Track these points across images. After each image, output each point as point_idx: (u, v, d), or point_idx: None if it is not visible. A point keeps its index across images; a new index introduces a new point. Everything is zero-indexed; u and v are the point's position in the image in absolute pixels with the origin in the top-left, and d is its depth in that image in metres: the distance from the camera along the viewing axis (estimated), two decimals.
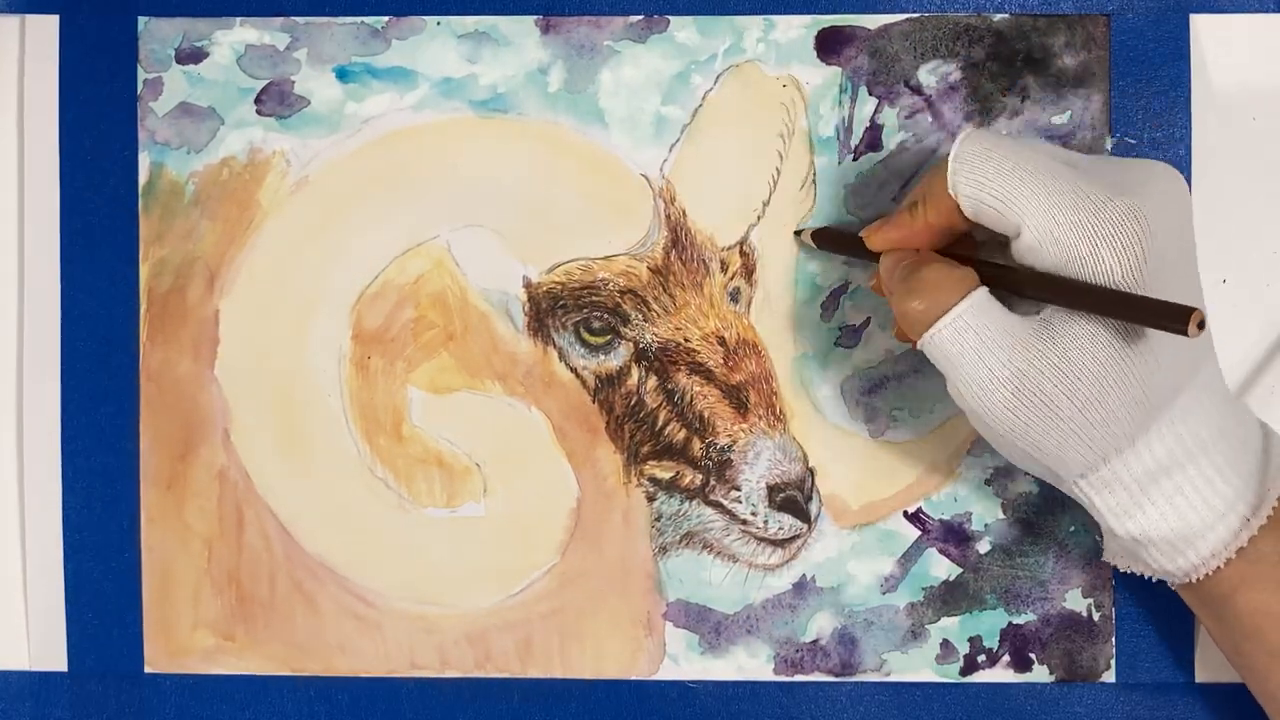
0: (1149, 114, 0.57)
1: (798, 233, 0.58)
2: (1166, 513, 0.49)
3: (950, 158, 0.48)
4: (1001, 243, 0.51)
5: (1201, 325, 0.43)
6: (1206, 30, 0.58)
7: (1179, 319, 0.44)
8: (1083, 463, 0.48)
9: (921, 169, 0.58)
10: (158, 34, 0.59)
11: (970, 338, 0.48)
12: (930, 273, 0.49)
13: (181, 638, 0.60)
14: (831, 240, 0.57)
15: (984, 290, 0.48)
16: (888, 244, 0.52)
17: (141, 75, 0.59)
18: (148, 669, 0.60)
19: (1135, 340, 0.46)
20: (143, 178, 0.59)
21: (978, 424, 0.49)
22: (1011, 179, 0.47)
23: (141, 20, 0.59)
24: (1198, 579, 0.50)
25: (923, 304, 0.49)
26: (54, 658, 0.60)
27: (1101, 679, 0.58)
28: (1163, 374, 0.47)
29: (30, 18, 0.59)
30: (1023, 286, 0.48)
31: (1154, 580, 0.52)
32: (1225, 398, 0.50)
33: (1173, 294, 0.46)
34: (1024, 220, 0.47)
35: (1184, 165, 0.57)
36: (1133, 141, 0.57)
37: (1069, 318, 0.47)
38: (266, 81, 0.59)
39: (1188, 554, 0.49)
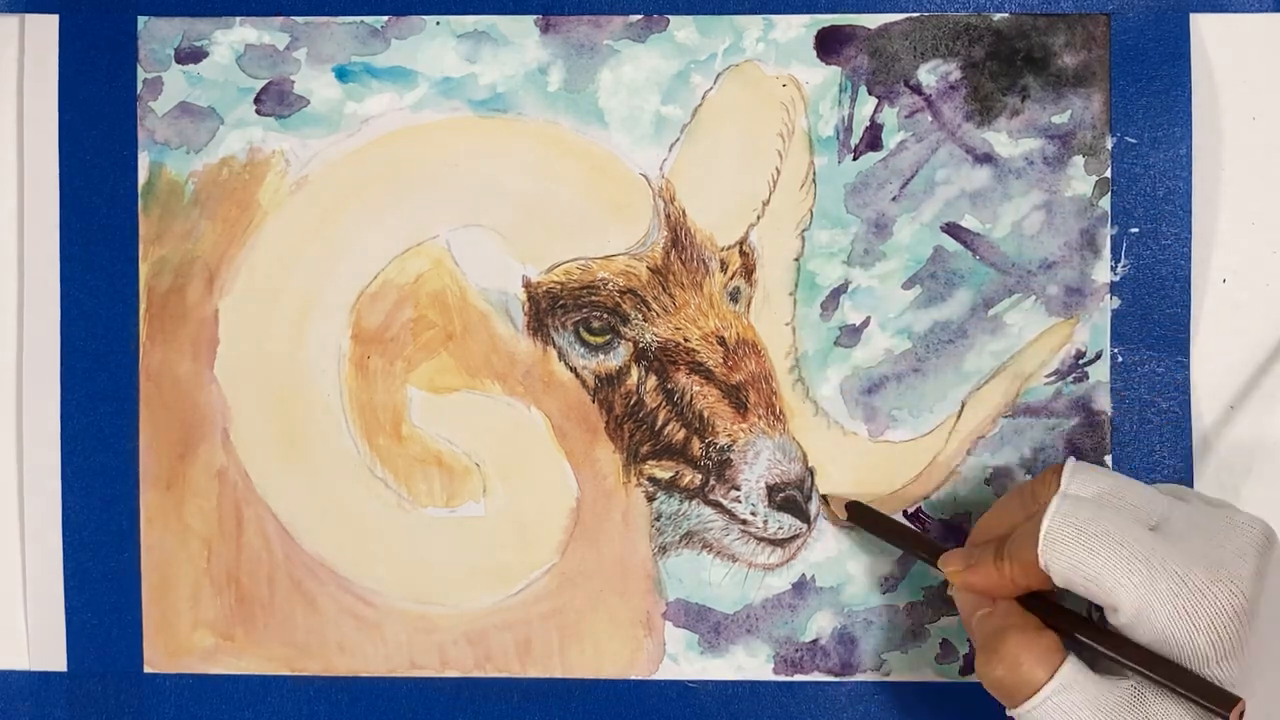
0: (1149, 113, 0.57)
1: (824, 497, 0.58)
2: None
3: (1041, 535, 0.48)
4: None
5: (1241, 716, 0.44)
6: (1207, 29, 0.58)
7: (1223, 704, 0.45)
8: None
9: (921, 167, 0.58)
10: (157, 33, 0.59)
11: (1062, 717, 0.47)
12: (1015, 644, 0.48)
13: (181, 637, 0.60)
14: (865, 518, 0.57)
15: (1072, 661, 0.48)
16: (969, 588, 0.52)
17: (141, 75, 0.59)
18: (147, 669, 0.60)
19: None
20: (142, 177, 0.59)
21: None
22: (1105, 561, 0.46)
23: (141, 20, 0.59)
24: None
25: (1010, 674, 0.48)
26: (53, 657, 0.60)
27: None
28: None
29: (30, 17, 0.59)
30: (1097, 646, 0.48)
31: None
32: None
33: (1270, 669, 0.46)
34: (1119, 602, 0.46)
35: (1183, 164, 0.57)
36: (1133, 140, 0.57)
37: (1161, 694, 0.46)
38: (266, 81, 0.59)
39: None
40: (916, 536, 0.57)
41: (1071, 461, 0.51)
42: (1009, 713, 0.49)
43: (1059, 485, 0.50)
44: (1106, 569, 0.46)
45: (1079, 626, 0.50)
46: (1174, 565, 0.46)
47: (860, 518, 0.57)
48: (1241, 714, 0.45)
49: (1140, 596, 0.46)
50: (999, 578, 0.50)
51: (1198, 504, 0.50)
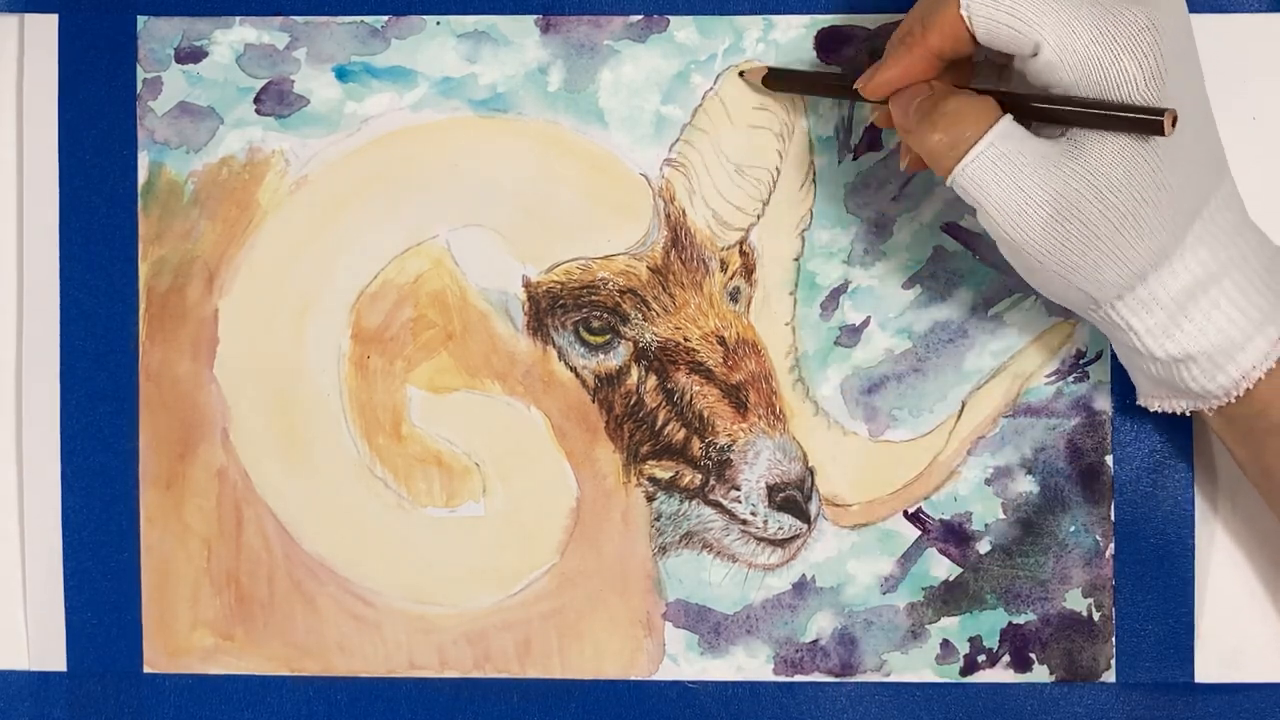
0: None
1: (741, 73, 0.58)
2: (1205, 327, 0.49)
3: None
4: (1000, 67, 0.52)
5: (1174, 123, 0.46)
6: (1206, 29, 0.57)
7: (1155, 118, 0.46)
8: (1120, 283, 0.48)
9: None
10: (157, 33, 0.59)
11: (1004, 165, 0.48)
12: (952, 105, 0.49)
13: (180, 637, 0.60)
14: (787, 82, 0.56)
15: (1009, 117, 0.48)
16: (889, 87, 0.51)
17: (141, 74, 0.59)
18: (147, 669, 0.60)
19: (1162, 153, 0.47)
20: (142, 177, 0.59)
21: (1012, 253, 0.50)
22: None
23: (141, 19, 0.59)
24: (1237, 396, 0.50)
25: (948, 137, 0.48)
26: (53, 657, 0.60)
27: (1101, 679, 0.58)
28: (1190, 188, 0.48)
29: (29, 17, 0.59)
30: (1025, 109, 0.49)
31: (1188, 414, 0.52)
32: (1244, 216, 0.51)
33: (1186, 102, 0.47)
34: (1043, 36, 0.47)
35: None
36: None
37: (1096, 136, 0.47)
38: (266, 81, 0.59)
39: (1228, 369, 0.49)
40: (836, 77, 0.56)
41: None
42: (948, 181, 0.49)
43: None
44: (1028, 4, 0.47)
45: (1007, 91, 0.50)
46: (1092, 3, 0.46)
47: (778, 82, 0.56)
48: (1174, 121, 0.46)
49: (1063, 23, 0.46)
50: (911, 55, 0.50)
51: None
